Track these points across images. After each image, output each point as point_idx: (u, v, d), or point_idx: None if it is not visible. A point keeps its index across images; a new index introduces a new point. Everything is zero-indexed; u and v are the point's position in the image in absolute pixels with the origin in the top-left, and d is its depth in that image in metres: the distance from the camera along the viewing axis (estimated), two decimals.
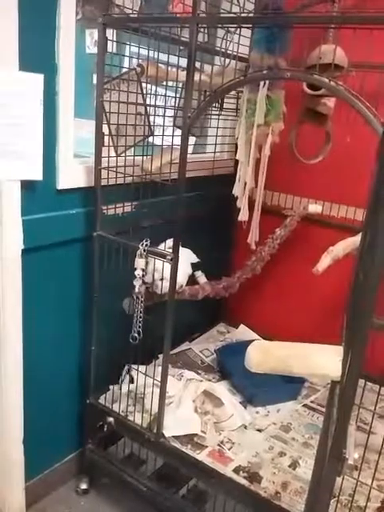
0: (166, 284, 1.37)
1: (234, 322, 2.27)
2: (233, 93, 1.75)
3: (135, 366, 1.55)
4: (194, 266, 1.68)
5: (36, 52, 1.26)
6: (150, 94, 1.49)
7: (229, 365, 1.85)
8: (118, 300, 1.49)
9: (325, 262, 1.56)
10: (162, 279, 1.38)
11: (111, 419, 1.59)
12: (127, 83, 1.43)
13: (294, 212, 1.91)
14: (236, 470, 1.43)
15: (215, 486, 1.44)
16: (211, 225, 2.01)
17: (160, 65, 1.37)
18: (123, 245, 1.43)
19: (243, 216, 1.71)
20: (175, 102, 1.59)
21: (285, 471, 1.45)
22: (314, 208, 1.91)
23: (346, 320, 1.01)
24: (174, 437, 1.49)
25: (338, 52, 1.34)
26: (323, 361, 0.88)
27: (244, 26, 1.34)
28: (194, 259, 1.66)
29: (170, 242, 1.42)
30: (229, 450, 1.50)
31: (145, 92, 1.45)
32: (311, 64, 1.32)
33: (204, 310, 2.01)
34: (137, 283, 1.42)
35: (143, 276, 1.40)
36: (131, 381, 1.54)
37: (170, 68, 1.38)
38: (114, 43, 1.43)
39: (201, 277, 1.84)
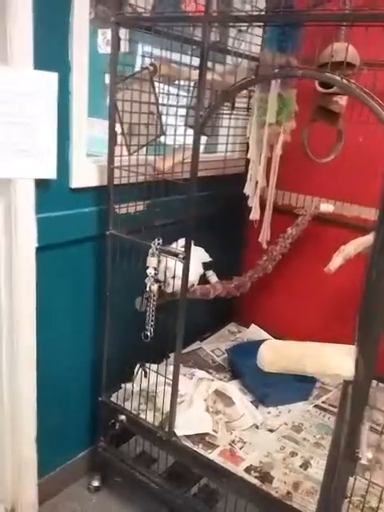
0: (178, 282, 1.38)
1: (245, 321, 2.27)
2: (244, 92, 1.75)
3: (147, 365, 1.55)
4: (206, 266, 1.68)
5: (50, 51, 1.27)
6: (163, 94, 1.49)
7: (240, 364, 1.84)
8: (130, 298, 1.49)
9: (336, 261, 1.55)
10: (173, 277, 1.39)
11: (123, 417, 1.59)
12: (140, 82, 1.44)
13: (306, 211, 1.91)
14: (247, 470, 1.43)
15: (226, 486, 1.44)
16: (222, 224, 2.01)
17: (172, 64, 1.38)
18: (135, 244, 1.44)
19: (255, 215, 1.70)
20: (187, 102, 1.59)
21: (296, 471, 1.44)
22: (326, 207, 1.90)
23: (358, 320, 1.01)
24: (185, 436, 1.50)
25: (350, 50, 1.33)
26: (337, 360, 0.87)
27: (256, 24, 1.34)
28: (207, 258, 1.66)
29: (181, 242, 1.42)
30: (240, 449, 1.50)
31: (157, 91, 1.45)
32: (323, 62, 1.31)
33: (215, 309, 2.01)
34: (149, 282, 1.43)
35: (155, 275, 1.40)
36: (145, 375, 1.54)
37: (182, 67, 1.38)
38: (127, 42, 1.43)
39: (212, 276, 1.84)
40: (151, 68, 1.35)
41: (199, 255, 1.62)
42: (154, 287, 1.41)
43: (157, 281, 1.41)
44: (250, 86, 1.46)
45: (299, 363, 0.88)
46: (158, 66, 1.35)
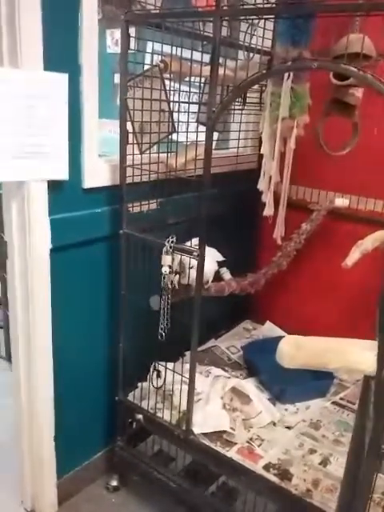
0: (194, 273, 1.36)
1: (260, 318, 2.25)
2: (256, 87, 1.73)
3: (163, 363, 1.55)
4: (219, 264, 1.67)
5: (60, 52, 1.27)
6: (173, 91, 1.48)
7: (256, 362, 1.83)
8: (145, 297, 1.49)
9: (354, 255, 1.53)
10: (191, 268, 1.37)
11: (140, 416, 1.59)
12: (150, 80, 1.43)
13: (320, 206, 1.88)
14: (266, 467, 1.41)
15: (245, 484, 1.43)
16: (236, 221, 1.99)
17: (183, 60, 1.36)
18: (149, 242, 1.43)
19: (268, 211, 1.69)
20: (199, 98, 1.58)
21: (315, 468, 1.43)
22: (341, 202, 1.88)
23: (379, 314, 0.99)
24: (203, 434, 1.49)
25: (366, 41, 1.30)
26: (360, 356, 0.86)
27: (268, 17, 1.32)
28: (220, 258, 1.65)
29: (195, 241, 1.41)
30: (258, 446, 1.49)
31: (168, 88, 1.44)
32: (338, 54, 1.29)
33: (229, 307, 2.00)
34: (164, 280, 1.42)
35: (170, 272, 1.40)
36: (158, 375, 1.53)
37: (193, 63, 1.37)
38: (137, 41, 1.43)
39: (226, 273, 1.82)
40: (162, 65, 1.34)
41: (213, 254, 1.61)
42: (174, 278, 1.40)
43: (175, 272, 1.40)
44: (262, 80, 1.45)
45: (321, 359, 0.87)
46: (168, 63, 1.34)
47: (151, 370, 1.60)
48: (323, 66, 1.15)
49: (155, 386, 1.54)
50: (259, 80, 1.31)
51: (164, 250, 1.40)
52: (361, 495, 0.81)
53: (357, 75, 1.08)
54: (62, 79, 1.27)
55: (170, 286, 1.40)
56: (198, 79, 1.60)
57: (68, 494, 1.64)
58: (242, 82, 1.26)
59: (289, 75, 1.53)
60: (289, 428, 1.58)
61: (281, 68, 1.30)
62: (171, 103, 1.48)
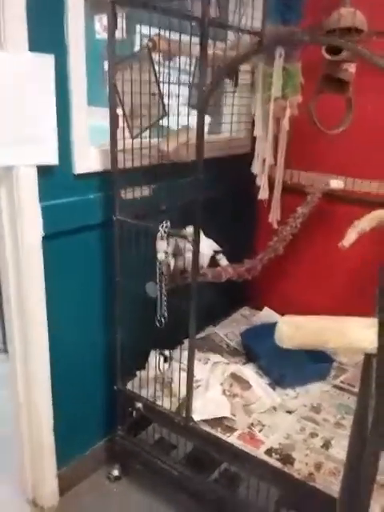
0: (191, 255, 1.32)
1: (258, 304, 2.21)
2: (248, 68, 1.68)
3: (161, 352, 1.50)
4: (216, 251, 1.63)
5: (45, 32, 1.21)
6: (163, 72, 1.43)
7: (255, 347, 1.79)
8: (140, 284, 1.44)
9: (350, 236, 1.49)
10: (187, 250, 1.33)
11: (140, 405, 1.55)
12: (139, 62, 1.37)
13: (316, 189, 1.83)
14: (268, 452, 1.37)
15: (247, 469, 1.39)
16: (231, 206, 1.94)
17: (172, 39, 1.31)
18: (143, 228, 1.38)
19: (263, 194, 1.64)
20: (189, 80, 1.52)
21: (317, 452, 1.39)
22: (336, 184, 1.83)
23: (379, 290, 0.94)
24: (203, 420, 1.45)
25: (358, 15, 1.25)
26: (359, 333, 0.81)
27: None
28: (217, 247, 1.60)
29: (190, 229, 1.36)
30: (259, 432, 1.45)
31: (157, 69, 1.38)
32: (330, 28, 1.24)
33: (227, 293, 1.95)
34: (160, 266, 1.37)
35: (166, 258, 1.35)
36: (165, 360, 1.48)
37: (182, 42, 1.31)
38: (124, 25, 1.37)
39: (222, 259, 1.77)
40: (150, 43, 1.29)
41: (209, 244, 1.56)
42: (170, 261, 1.35)
43: (172, 254, 1.35)
44: (253, 56, 1.39)
45: (320, 337, 0.82)
46: (156, 42, 1.28)
47: (155, 356, 1.56)
48: (316, 40, 1.10)
49: (161, 370, 1.49)
50: (250, 55, 1.26)
51: (158, 235, 1.35)
52: (365, 477, 0.77)
53: (352, 47, 1.03)
54: (47, 60, 1.22)
55: (165, 271, 1.36)
56: (188, 64, 1.54)
57: (69, 483, 1.60)
58: (232, 59, 1.21)
59: (280, 54, 1.48)
60: (289, 412, 1.54)
61: (272, 42, 1.24)
62: (161, 85, 1.43)
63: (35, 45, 1.19)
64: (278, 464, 1.33)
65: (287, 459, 1.35)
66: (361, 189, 1.87)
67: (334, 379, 1.73)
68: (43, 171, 1.27)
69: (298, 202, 1.84)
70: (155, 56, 1.39)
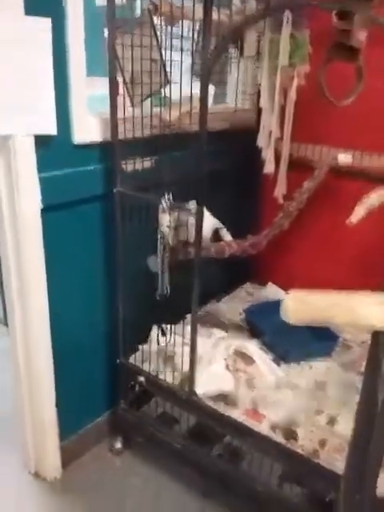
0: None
1: (262, 281, 2.14)
2: (254, 36, 1.58)
3: (164, 326, 1.45)
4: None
5: None
6: (165, 39, 1.34)
7: (259, 324, 1.73)
8: (142, 258, 1.38)
9: (359, 212, 1.41)
10: (189, 222, 1.27)
11: (142, 378, 1.51)
12: (140, 27, 1.28)
13: (323, 163, 1.75)
14: (272, 428, 1.33)
15: (251, 445, 1.35)
16: (235, 180, 1.86)
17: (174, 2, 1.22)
18: (145, 200, 1.32)
19: (269, 167, 1.57)
20: (192, 48, 1.43)
21: (322, 429, 1.34)
22: (344, 158, 1.74)
23: None
24: (206, 395, 1.40)
25: None
26: (368, 309, 0.75)
27: None
28: (219, 225, 1.53)
29: (192, 204, 1.29)
30: (263, 407, 1.40)
31: (159, 35, 1.29)
32: None
33: (230, 269, 1.89)
34: (162, 240, 1.31)
35: (169, 231, 1.28)
36: (163, 333, 1.43)
37: (185, 6, 1.22)
38: None
39: (226, 235, 1.71)
40: (151, 7, 1.19)
41: (211, 219, 1.49)
42: (171, 234, 1.28)
43: (174, 228, 1.29)
44: (259, 20, 1.30)
45: (327, 313, 0.76)
46: (158, 4, 1.19)
47: (152, 332, 1.51)
48: (326, 4, 1.00)
49: (162, 343, 1.44)
50: (257, 20, 1.17)
51: (160, 208, 1.28)
52: (373, 456, 0.73)
53: (366, 13, 0.93)
54: (44, 24, 1.13)
55: (167, 245, 1.29)
56: (191, 30, 1.45)
57: (72, 456, 1.57)
58: (238, 24, 1.12)
59: (288, 21, 1.38)
60: (294, 388, 1.49)
61: (280, 5, 1.15)
62: (163, 52, 1.34)
63: (31, 8, 1.10)
64: (281, 440, 1.29)
65: (291, 435, 1.31)
66: (370, 163, 1.77)
67: (339, 356, 1.67)
68: (41, 141, 1.20)
69: (305, 177, 1.75)
70: (157, 20, 1.30)
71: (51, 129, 1.21)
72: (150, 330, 1.55)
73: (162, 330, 1.43)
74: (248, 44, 1.58)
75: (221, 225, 1.54)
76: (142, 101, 1.32)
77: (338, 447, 1.26)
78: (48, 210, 1.26)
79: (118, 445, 1.64)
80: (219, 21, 1.34)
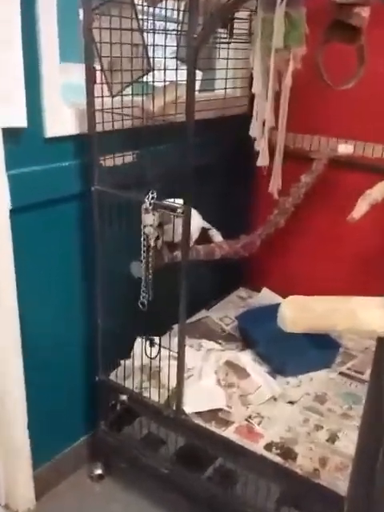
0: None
1: (256, 285, 2.21)
2: (245, 15, 1.63)
3: (152, 337, 1.49)
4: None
5: None
6: (147, 21, 1.38)
7: (253, 332, 1.79)
8: (124, 263, 1.42)
9: (361, 207, 1.47)
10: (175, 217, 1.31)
11: (124, 397, 1.55)
12: (120, 8, 1.32)
13: (321, 155, 1.81)
14: (268, 447, 1.38)
15: (245, 466, 1.41)
16: (226, 174, 1.92)
17: None
18: (126, 199, 1.36)
19: (263, 160, 1.62)
20: (177, 28, 1.47)
21: (322, 446, 1.40)
22: (344, 149, 1.81)
23: None
24: (195, 413, 1.45)
25: None
26: (372, 314, 0.80)
27: None
28: (206, 225, 1.58)
29: (179, 201, 1.34)
30: (258, 425, 1.46)
31: (141, 17, 1.34)
32: None
33: (221, 273, 1.94)
34: (145, 242, 1.35)
35: (153, 232, 1.33)
36: (151, 344, 1.47)
37: None
38: None
39: (216, 235, 1.76)
40: None
41: (197, 218, 1.54)
42: (154, 235, 1.33)
43: (159, 226, 1.33)
44: None
45: (328, 320, 0.81)
46: None
47: (141, 343, 1.54)
48: None
49: (149, 356, 1.48)
50: None
51: (143, 207, 1.33)
52: (383, 470, 0.77)
53: None
54: (12, 2, 1.16)
55: (153, 246, 1.33)
56: (176, 10, 1.49)
57: (47, 484, 1.61)
58: (227, 3, 1.17)
59: None
60: (291, 403, 1.55)
61: None
62: (145, 35, 1.38)
63: None
64: (278, 459, 1.34)
65: (289, 454, 1.36)
66: (373, 154, 1.85)
67: (340, 366, 1.75)
68: (9, 134, 1.23)
69: (302, 170, 1.82)
70: (138, 0, 1.34)
71: (20, 121, 1.24)
72: (132, 342, 1.59)
73: (151, 341, 1.46)
74: (238, 24, 1.63)
75: (207, 224, 1.59)
76: (122, 89, 1.36)
77: (339, 466, 1.33)
78: (18, 212, 1.29)
79: (98, 470, 1.68)
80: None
